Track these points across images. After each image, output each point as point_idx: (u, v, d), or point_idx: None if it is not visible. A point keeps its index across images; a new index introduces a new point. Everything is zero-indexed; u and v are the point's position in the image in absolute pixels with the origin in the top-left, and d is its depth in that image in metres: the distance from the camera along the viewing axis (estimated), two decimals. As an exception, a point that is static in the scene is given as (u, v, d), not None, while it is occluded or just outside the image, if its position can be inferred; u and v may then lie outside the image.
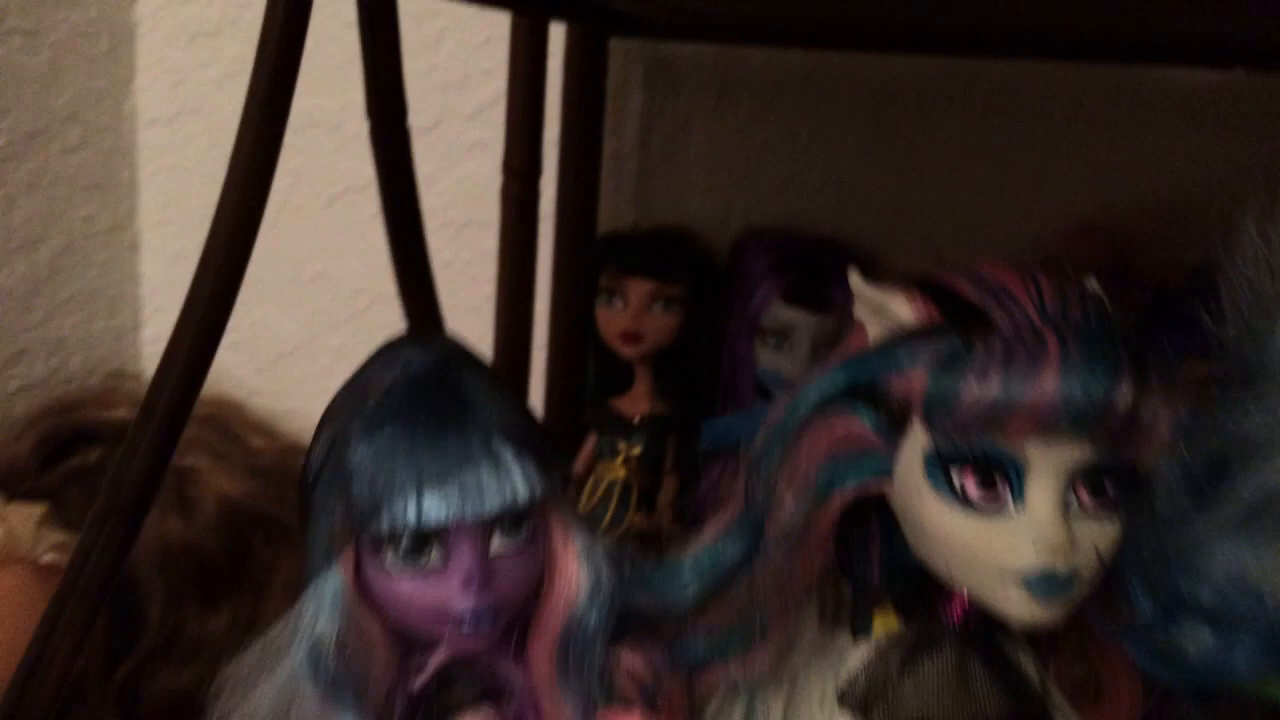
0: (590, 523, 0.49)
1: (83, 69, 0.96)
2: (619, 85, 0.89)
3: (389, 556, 0.44)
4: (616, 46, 0.88)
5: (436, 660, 0.45)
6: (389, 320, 1.02)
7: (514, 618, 0.46)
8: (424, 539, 0.43)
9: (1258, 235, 0.36)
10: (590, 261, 0.84)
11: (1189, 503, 0.38)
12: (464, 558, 0.43)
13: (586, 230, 0.86)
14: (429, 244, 0.98)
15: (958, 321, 0.39)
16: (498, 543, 0.44)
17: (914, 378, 0.38)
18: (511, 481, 0.43)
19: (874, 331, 0.42)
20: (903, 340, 0.39)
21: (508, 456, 0.43)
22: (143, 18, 1.00)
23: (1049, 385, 0.35)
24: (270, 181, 0.54)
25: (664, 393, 0.85)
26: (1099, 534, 0.37)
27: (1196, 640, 0.38)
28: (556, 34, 0.83)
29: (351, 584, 0.44)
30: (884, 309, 0.41)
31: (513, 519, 0.44)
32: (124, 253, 1.05)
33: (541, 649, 0.46)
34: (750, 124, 0.88)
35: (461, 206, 0.97)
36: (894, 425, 0.39)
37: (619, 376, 0.87)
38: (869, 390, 0.40)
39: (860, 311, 0.43)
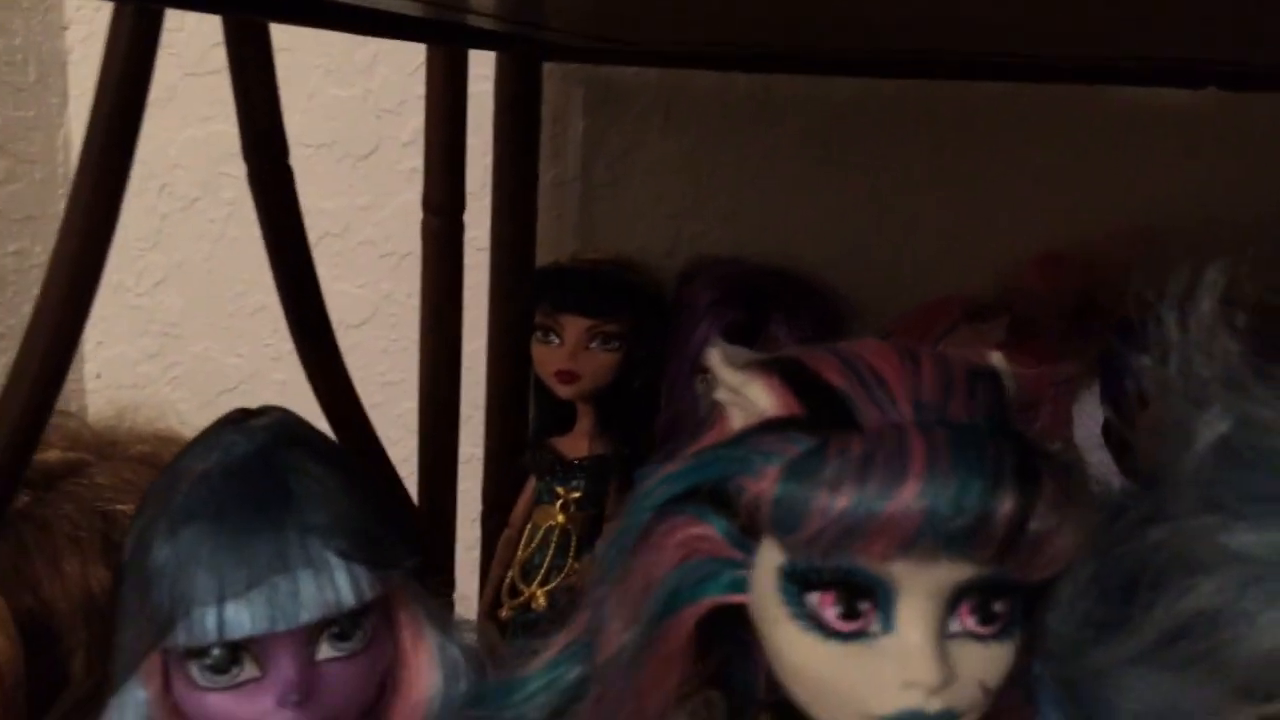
0: (444, 617, 0.45)
1: (10, 99, 0.93)
2: (559, 109, 0.85)
3: (196, 669, 0.39)
4: (555, 69, 0.84)
5: None
6: (345, 348, 0.99)
7: None
8: (235, 650, 0.39)
9: (1176, 327, 0.32)
10: (527, 296, 0.80)
11: (1098, 625, 0.33)
12: (283, 669, 0.39)
13: (524, 263, 0.82)
14: (367, 275, 0.95)
15: (816, 415, 0.34)
16: (326, 649, 0.40)
17: (765, 481, 0.33)
18: (335, 586, 0.39)
19: (737, 421, 0.37)
20: (757, 435, 0.35)
21: (331, 558, 0.39)
22: (73, 44, 0.97)
23: (909, 497, 0.30)
24: (117, 210, 0.49)
25: (606, 433, 0.80)
26: (985, 662, 0.32)
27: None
28: (489, 57, 0.79)
29: (160, 697, 0.40)
30: (743, 395, 0.37)
31: (343, 624, 0.40)
32: (63, 285, 1.02)
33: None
34: (698, 149, 0.84)
35: (402, 237, 0.93)
36: (747, 534, 0.35)
37: (561, 416, 0.83)
38: (719, 492, 0.35)
39: (722, 395, 0.38)
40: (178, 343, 1.01)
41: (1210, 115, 0.74)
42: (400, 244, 0.92)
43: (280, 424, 0.42)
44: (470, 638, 0.45)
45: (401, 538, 0.43)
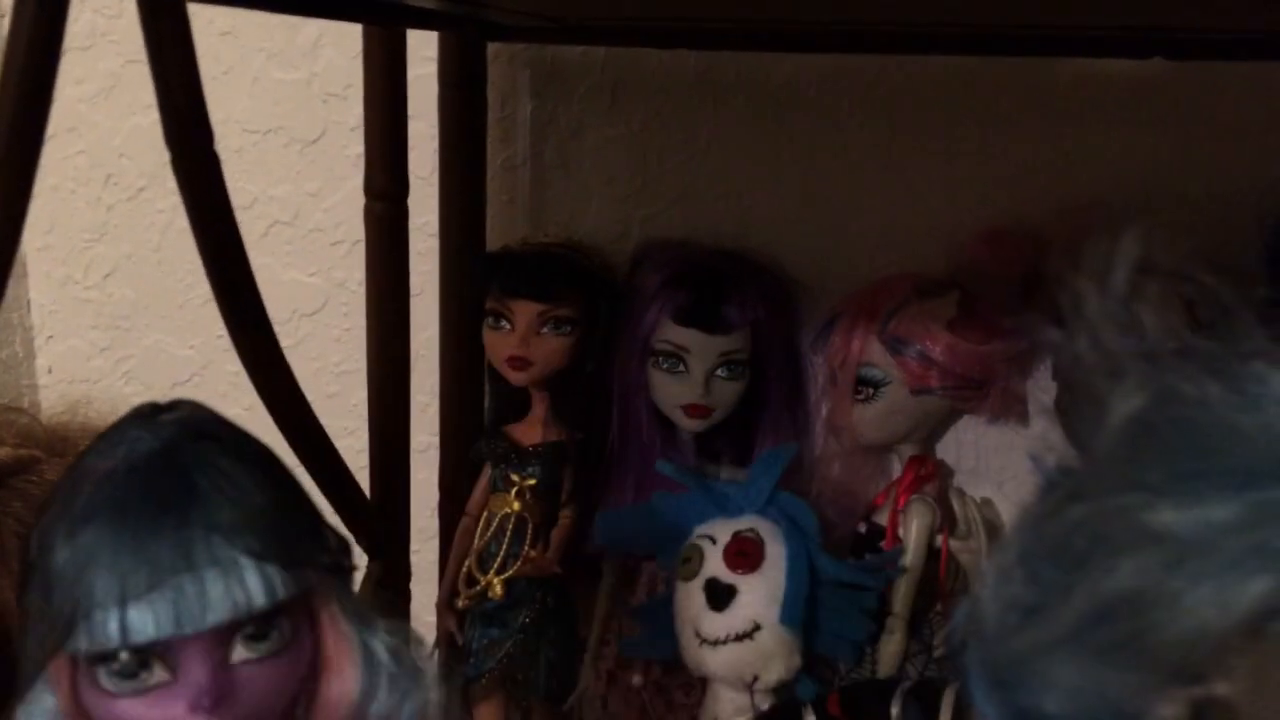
0: (367, 614, 0.44)
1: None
2: (506, 92, 0.84)
3: (103, 675, 0.38)
4: (501, 50, 0.83)
5: None
6: (291, 341, 0.98)
7: None
8: (144, 654, 0.38)
9: (1092, 298, 0.31)
10: (478, 282, 0.79)
11: (1023, 610, 0.32)
12: (194, 674, 0.38)
13: (474, 248, 0.81)
14: (318, 263, 0.93)
15: None
16: (241, 651, 0.39)
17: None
18: (244, 586, 0.37)
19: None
20: None
21: (239, 557, 0.38)
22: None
23: None
24: (28, 194, 0.47)
25: (560, 420, 0.79)
26: None
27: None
28: (432, 38, 0.77)
29: (68, 703, 0.38)
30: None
31: (257, 625, 0.39)
32: (9, 280, 1.00)
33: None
34: (646, 129, 0.82)
35: (352, 224, 0.91)
36: None
37: (516, 403, 0.82)
38: None
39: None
40: (129, 335, 0.99)
41: (1158, 86, 0.73)
42: (350, 231, 0.91)
43: (189, 419, 0.41)
44: (394, 636, 0.43)
45: (318, 535, 0.42)
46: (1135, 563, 0.29)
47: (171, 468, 0.38)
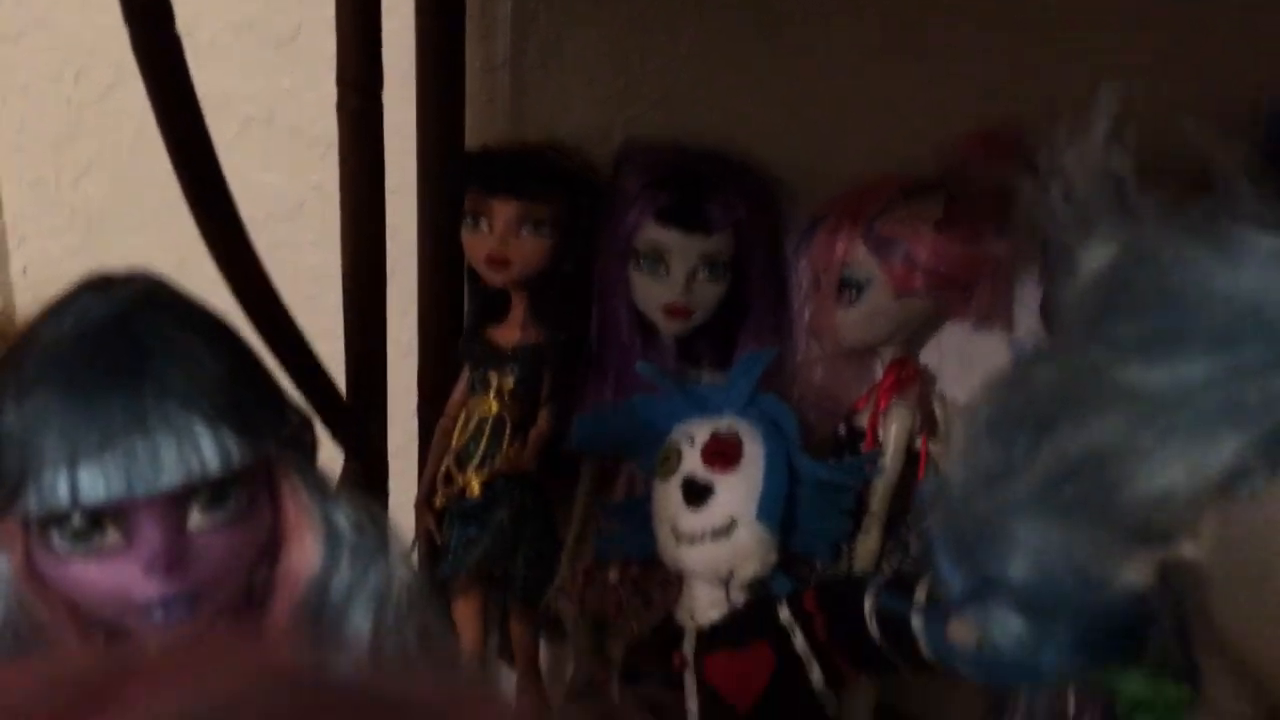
0: (328, 487, 0.43)
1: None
2: (486, -12, 0.82)
3: (56, 537, 0.38)
4: (480, -56, 0.81)
5: None
6: (273, 242, 0.96)
7: (237, 595, 0.40)
8: (97, 517, 0.37)
9: (1068, 149, 0.30)
10: (456, 182, 0.78)
11: (990, 475, 0.32)
12: (149, 537, 0.37)
13: (452, 148, 0.79)
14: (293, 165, 0.92)
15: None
16: (197, 517, 0.39)
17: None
18: (198, 451, 0.37)
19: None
20: None
21: (194, 422, 0.37)
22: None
23: None
24: None
25: (540, 321, 0.79)
26: None
27: (1005, 628, 0.33)
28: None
29: (21, 566, 0.38)
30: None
31: (213, 491, 0.38)
32: (-20, 180, 0.98)
33: (280, 623, 0.41)
34: (630, 29, 0.81)
35: (328, 123, 0.89)
36: None
37: (496, 305, 0.81)
38: None
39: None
40: (103, 237, 0.98)
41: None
42: (327, 131, 0.88)
43: (143, 288, 0.40)
44: (356, 510, 0.43)
45: (276, 406, 0.42)
46: (1103, 420, 0.28)
47: (124, 334, 0.38)
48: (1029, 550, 0.31)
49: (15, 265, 1.02)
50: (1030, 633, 0.32)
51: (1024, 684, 0.33)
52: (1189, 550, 0.29)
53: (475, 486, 0.77)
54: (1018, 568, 0.32)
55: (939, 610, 0.38)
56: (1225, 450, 0.27)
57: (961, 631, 0.40)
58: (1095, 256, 0.29)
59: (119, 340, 0.37)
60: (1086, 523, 0.30)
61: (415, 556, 0.84)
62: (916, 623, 0.56)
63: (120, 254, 1.00)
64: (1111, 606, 0.31)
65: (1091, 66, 0.72)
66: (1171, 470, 0.28)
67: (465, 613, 0.81)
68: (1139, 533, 0.29)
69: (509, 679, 0.88)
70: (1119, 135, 0.29)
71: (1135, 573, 0.30)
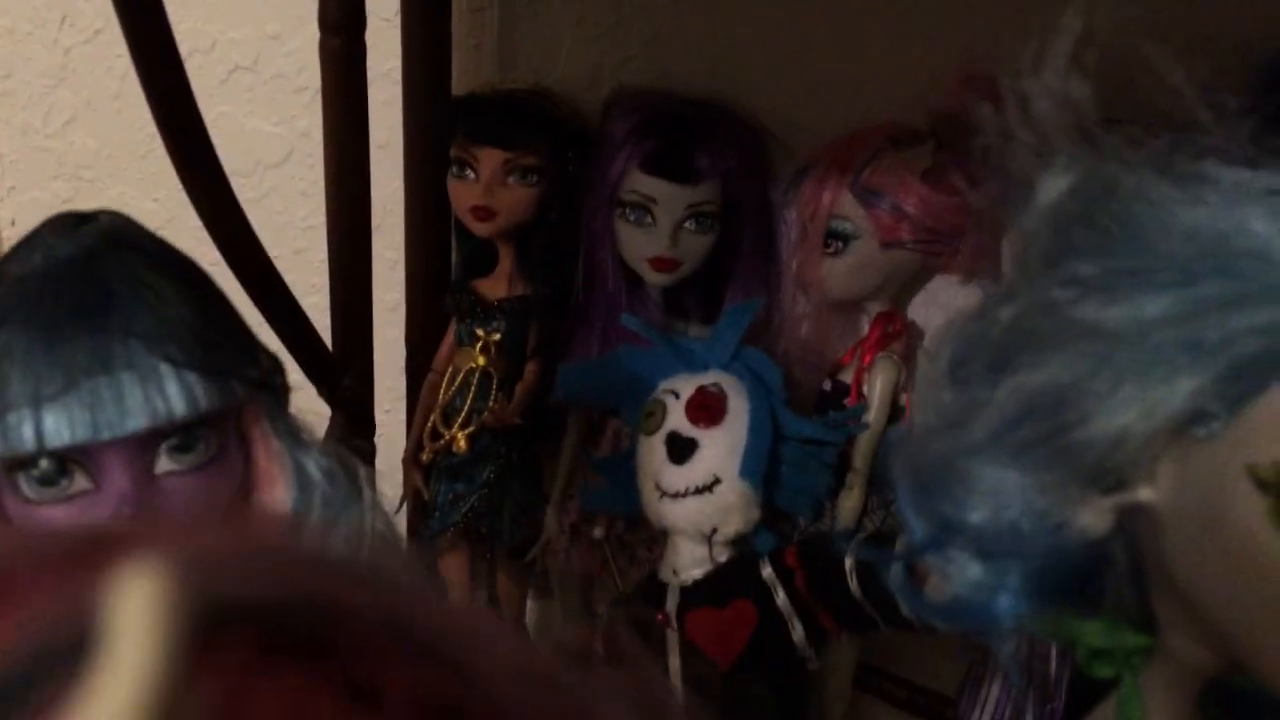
0: (300, 433, 0.43)
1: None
2: (474, -72, 0.80)
3: (23, 481, 0.37)
4: (468, -116, 0.79)
5: None
6: (255, 194, 0.95)
7: None
8: (64, 461, 0.37)
9: (1028, 74, 0.29)
10: (443, 130, 0.76)
11: (953, 411, 0.31)
12: (116, 481, 0.37)
13: (439, 94, 0.78)
14: (281, 111, 0.90)
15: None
16: (166, 462, 0.38)
17: None
18: (164, 394, 0.36)
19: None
20: None
21: (160, 364, 0.37)
22: None
23: None
24: None
25: (526, 273, 0.78)
26: None
27: (964, 573, 0.32)
28: None
29: None
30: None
31: (181, 435, 0.38)
32: (-32, 128, 0.97)
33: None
34: (619, -29, 0.79)
35: (315, 69, 0.88)
36: None
37: (483, 257, 0.80)
38: None
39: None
40: (92, 186, 0.97)
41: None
42: (314, 77, 0.87)
43: (110, 228, 0.39)
44: (328, 456, 0.43)
45: (246, 349, 0.41)
46: (1060, 359, 0.27)
47: (89, 274, 0.37)
48: (986, 493, 0.30)
49: (4, 214, 1.02)
50: (988, 577, 0.32)
51: (984, 630, 0.32)
52: (1145, 494, 0.28)
53: (462, 442, 0.77)
54: (975, 511, 0.31)
55: (909, 562, 0.37)
56: (1182, 390, 0.26)
57: (937, 585, 0.40)
58: (1053, 187, 0.28)
59: (85, 280, 0.37)
60: (1043, 465, 0.29)
61: (404, 511, 0.83)
62: (894, 576, 0.55)
63: (108, 205, 1.00)
64: (1069, 552, 0.30)
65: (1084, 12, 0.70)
66: (1128, 410, 0.27)
67: (452, 568, 0.80)
68: (1095, 476, 0.28)
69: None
70: (1079, 63, 0.27)
71: (1092, 517, 0.29)
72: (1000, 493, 0.29)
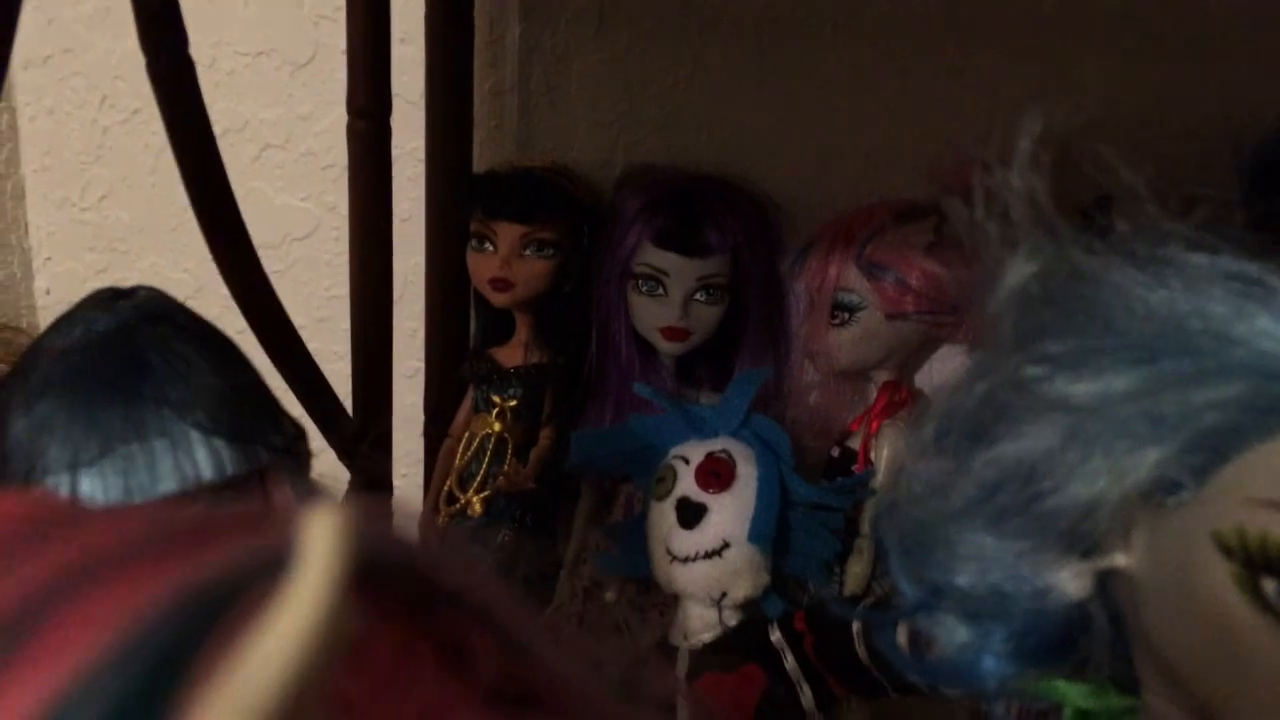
0: (318, 495, 0.45)
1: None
2: (495, 15, 0.84)
3: None
4: (489, -27, 0.83)
5: None
6: (283, 265, 0.99)
7: None
8: None
9: (996, 171, 0.31)
10: (463, 206, 0.79)
11: (935, 479, 0.33)
12: None
13: (460, 171, 0.81)
14: (309, 187, 0.94)
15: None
16: None
17: None
18: (193, 459, 0.39)
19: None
20: None
21: (190, 431, 0.39)
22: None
23: None
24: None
25: (542, 342, 0.80)
26: None
27: (952, 636, 0.34)
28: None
29: None
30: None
31: (209, 499, 0.40)
32: (7, 201, 1.01)
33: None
34: (631, 56, 0.82)
35: (343, 147, 0.92)
36: None
37: (501, 327, 0.83)
38: None
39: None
40: (125, 258, 1.01)
41: (1144, 15, 0.73)
42: (341, 155, 0.91)
43: (146, 302, 0.42)
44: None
45: (271, 416, 0.43)
46: (1033, 431, 0.29)
47: (126, 346, 0.40)
48: (968, 558, 0.32)
49: (39, 284, 1.05)
50: (974, 639, 0.33)
51: (972, 690, 0.33)
52: (1121, 560, 0.30)
53: (477, 506, 0.79)
54: (959, 575, 0.33)
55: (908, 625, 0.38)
56: (1147, 460, 0.28)
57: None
58: (1019, 272, 0.30)
59: (122, 352, 0.39)
60: (1020, 531, 0.30)
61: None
62: (887, 640, 0.56)
63: (140, 275, 1.03)
64: (1051, 614, 0.32)
65: (1085, 91, 0.73)
66: (1097, 480, 0.28)
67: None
68: (1072, 541, 0.30)
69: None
70: (1036, 158, 0.30)
71: (1072, 582, 0.31)
72: (981, 558, 0.31)
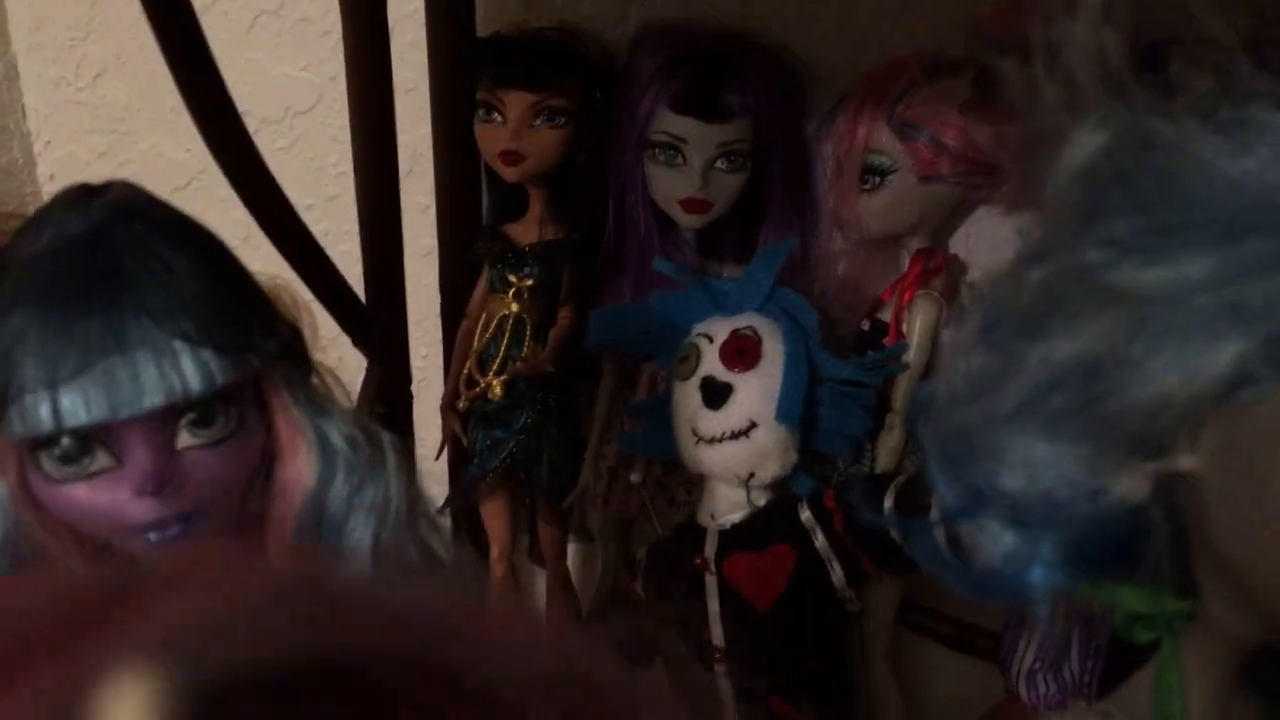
0: (322, 402, 0.42)
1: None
2: None
3: (46, 460, 0.37)
4: None
5: None
6: (286, 141, 0.95)
7: (233, 514, 0.40)
8: (85, 439, 0.37)
9: (1061, 21, 0.27)
10: (468, 73, 0.75)
11: (981, 378, 0.30)
12: (138, 458, 0.37)
13: (463, 34, 0.76)
14: (309, 56, 0.89)
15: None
16: (187, 437, 0.38)
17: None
18: (179, 371, 0.36)
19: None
20: None
21: (173, 341, 0.36)
22: None
23: None
24: None
25: (558, 217, 0.77)
26: None
27: (997, 542, 0.31)
28: None
29: (16, 488, 0.38)
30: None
31: (200, 410, 0.38)
32: (2, 83, 0.97)
33: (278, 539, 0.40)
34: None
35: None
36: None
37: (514, 201, 0.79)
38: None
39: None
40: (126, 139, 0.97)
41: None
42: (338, 21, 0.86)
43: (120, 200, 0.39)
44: (350, 423, 0.42)
45: (263, 319, 0.40)
46: (1094, 326, 0.26)
47: (100, 250, 0.37)
48: (1017, 465, 0.29)
49: (43, 171, 1.02)
50: (1022, 548, 0.31)
51: (1016, 599, 0.31)
52: (1187, 462, 0.27)
53: (497, 389, 0.77)
54: (1007, 481, 0.30)
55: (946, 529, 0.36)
56: (1226, 355, 0.25)
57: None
58: (1086, 145, 0.26)
59: (96, 257, 0.37)
60: (1076, 435, 0.27)
61: (445, 457, 0.84)
62: (924, 546, 0.54)
63: (142, 157, 1.00)
64: (1106, 520, 0.29)
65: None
66: (1166, 379, 0.25)
67: (493, 515, 0.81)
68: (1133, 445, 0.27)
69: (539, 579, 0.88)
70: (1111, 11, 0.25)
71: (1130, 486, 0.28)
72: (1033, 463, 0.28)
